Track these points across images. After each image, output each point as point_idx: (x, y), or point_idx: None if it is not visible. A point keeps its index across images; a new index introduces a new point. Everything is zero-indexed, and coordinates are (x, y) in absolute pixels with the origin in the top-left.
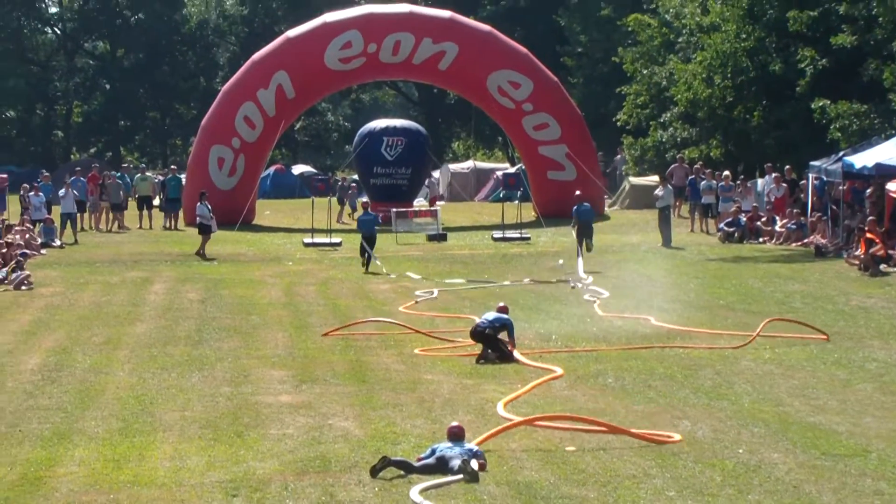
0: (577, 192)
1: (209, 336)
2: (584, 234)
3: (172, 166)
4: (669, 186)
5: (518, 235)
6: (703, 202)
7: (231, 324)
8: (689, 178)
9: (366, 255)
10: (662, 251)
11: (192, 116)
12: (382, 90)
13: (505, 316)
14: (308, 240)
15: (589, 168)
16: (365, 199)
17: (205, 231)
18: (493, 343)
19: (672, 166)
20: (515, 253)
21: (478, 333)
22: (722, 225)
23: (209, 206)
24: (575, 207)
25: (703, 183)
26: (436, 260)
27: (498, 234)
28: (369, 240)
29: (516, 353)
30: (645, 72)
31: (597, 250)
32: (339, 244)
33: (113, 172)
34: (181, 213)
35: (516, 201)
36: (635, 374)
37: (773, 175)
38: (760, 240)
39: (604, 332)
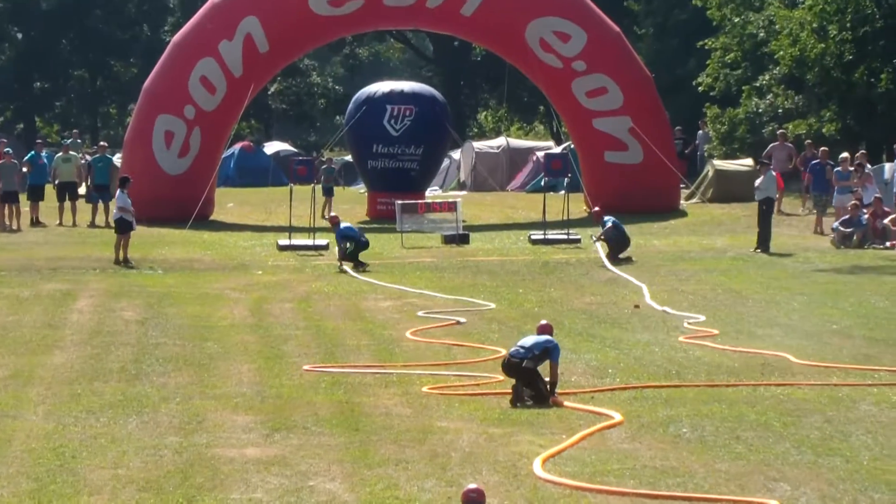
0: (596, 209)
1: (151, 369)
2: (619, 249)
3: (102, 143)
4: (773, 173)
5: (564, 236)
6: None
7: (180, 352)
8: (813, 162)
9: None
10: (757, 258)
11: (131, 77)
12: (386, 43)
13: (545, 338)
14: (284, 241)
15: (660, 148)
16: (334, 213)
17: (124, 229)
18: (532, 379)
19: (771, 146)
20: (560, 260)
21: (512, 366)
22: (836, 224)
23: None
24: (603, 221)
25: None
26: (454, 269)
27: (538, 234)
28: (364, 245)
29: (559, 397)
30: (736, 20)
31: (670, 258)
32: (325, 247)
33: (7, 150)
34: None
35: (562, 191)
36: (718, 421)
37: None
38: (887, 244)
39: (677, 365)
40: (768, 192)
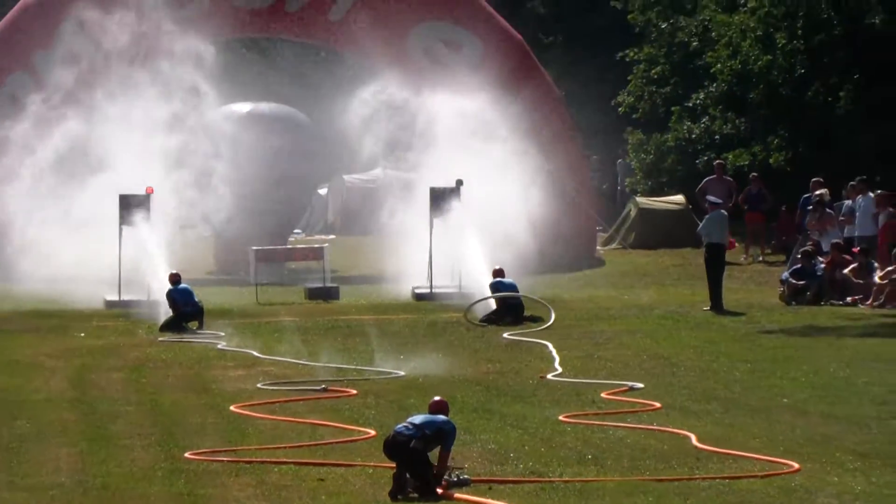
0: (497, 267)
1: None
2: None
3: None
4: (722, 212)
5: (454, 290)
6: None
7: None
8: (806, 196)
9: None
10: (690, 318)
11: None
12: (237, 53)
13: (442, 418)
14: (112, 297)
15: (573, 182)
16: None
17: None
18: (419, 464)
19: (706, 179)
20: (450, 320)
21: (397, 446)
22: (786, 274)
23: None
24: (494, 282)
25: (846, 204)
26: (319, 330)
27: (422, 287)
28: (189, 317)
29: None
30: (664, 26)
31: (584, 317)
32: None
33: None
34: None
35: None
36: None
37: (874, 194)
38: (848, 299)
39: (595, 448)
40: (711, 236)
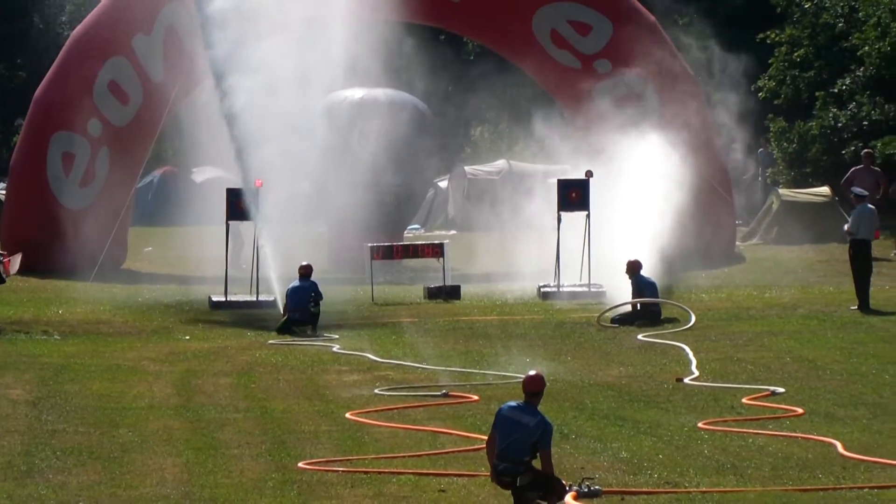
0: (631, 259)
1: (46, 463)
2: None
3: None
4: (870, 206)
5: (584, 289)
6: None
7: (84, 442)
8: None
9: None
10: (836, 318)
11: (18, 83)
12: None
13: (531, 425)
14: (218, 297)
15: (710, 172)
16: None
17: None
18: (534, 491)
19: (853, 170)
20: (579, 320)
21: (505, 486)
22: None
23: None
24: (634, 279)
25: None
26: (440, 332)
27: (549, 286)
28: (298, 322)
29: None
30: (807, 5)
31: (722, 317)
32: (272, 303)
33: None
34: None
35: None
36: None
37: None
38: None
39: (734, 456)
40: (858, 231)
